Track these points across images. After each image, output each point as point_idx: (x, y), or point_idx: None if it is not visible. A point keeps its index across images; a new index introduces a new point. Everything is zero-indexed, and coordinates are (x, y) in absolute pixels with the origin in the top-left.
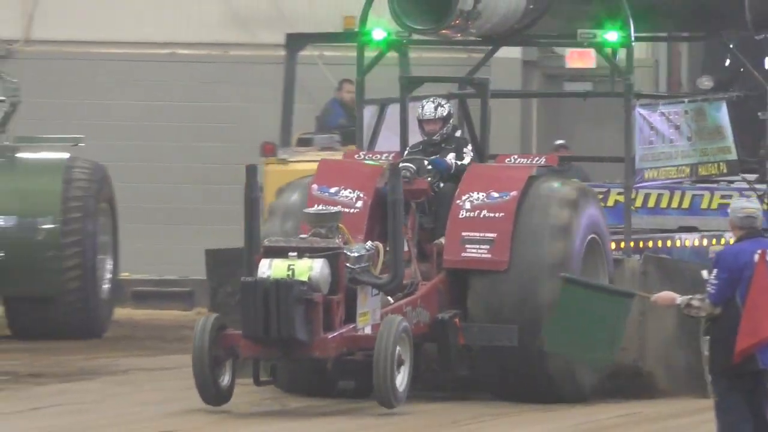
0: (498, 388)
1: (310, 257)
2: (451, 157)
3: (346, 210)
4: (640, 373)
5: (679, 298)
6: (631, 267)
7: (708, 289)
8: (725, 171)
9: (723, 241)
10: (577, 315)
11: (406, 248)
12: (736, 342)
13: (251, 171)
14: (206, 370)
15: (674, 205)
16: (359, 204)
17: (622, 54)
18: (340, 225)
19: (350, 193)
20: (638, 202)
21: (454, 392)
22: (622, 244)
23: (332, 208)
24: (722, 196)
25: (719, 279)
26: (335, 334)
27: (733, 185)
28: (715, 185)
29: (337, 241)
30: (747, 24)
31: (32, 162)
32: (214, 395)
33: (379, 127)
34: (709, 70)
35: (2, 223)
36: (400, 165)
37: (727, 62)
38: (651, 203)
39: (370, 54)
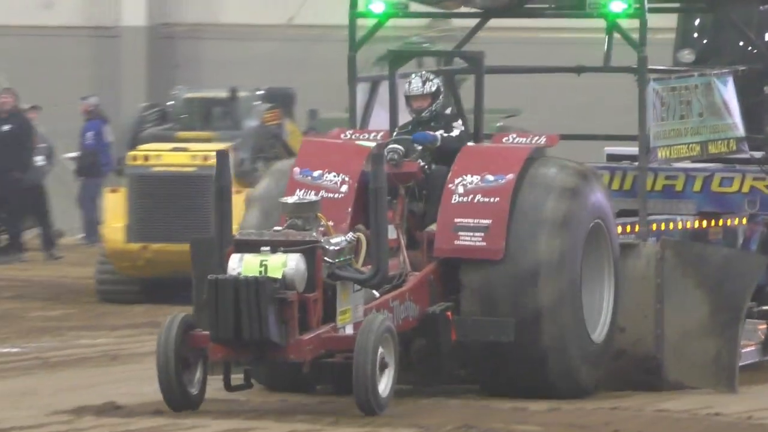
0: (492, 386)
1: (284, 252)
2: (438, 132)
3: (330, 195)
4: (657, 366)
5: None
6: (647, 252)
7: None
8: (734, 148)
9: (720, 222)
10: None
11: (394, 236)
12: None
13: (222, 156)
14: (172, 375)
15: (615, 186)
16: (344, 188)
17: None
18: (319, 214)
19: (335, 176)
20: None
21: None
22: (637, 228)
23: (311, 196)
24: (667, 177)
25: None
26: (312, 335)
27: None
28: (657, 167)
29: (314, 233)
30: None
31: None
32: (181, 401)
33: (371, 105)
34: (689, 42)
35: None
36: (389, 147)
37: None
38: None
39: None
